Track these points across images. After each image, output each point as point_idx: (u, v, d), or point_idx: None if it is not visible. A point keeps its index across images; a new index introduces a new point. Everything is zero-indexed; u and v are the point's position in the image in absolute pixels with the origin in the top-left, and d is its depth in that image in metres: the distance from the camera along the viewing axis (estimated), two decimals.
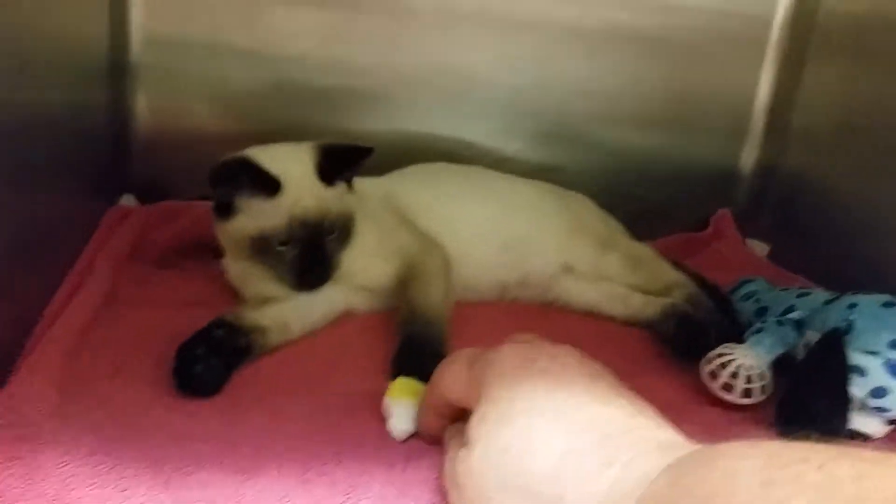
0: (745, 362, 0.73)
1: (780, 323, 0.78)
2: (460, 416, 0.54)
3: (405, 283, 0.84)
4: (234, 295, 0.85)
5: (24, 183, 0.73)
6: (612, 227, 1.03)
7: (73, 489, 0.50)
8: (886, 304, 0.71)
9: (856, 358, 0.68)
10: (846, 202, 1.03)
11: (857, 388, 0.67)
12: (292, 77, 1.12)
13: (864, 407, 0.67)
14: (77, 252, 0.87)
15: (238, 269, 0.85)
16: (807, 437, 0.34)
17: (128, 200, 1.08)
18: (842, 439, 0.59)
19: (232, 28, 1.10)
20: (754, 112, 1.20)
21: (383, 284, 0.86)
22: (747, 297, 0.89)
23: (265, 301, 0.80)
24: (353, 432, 0.62)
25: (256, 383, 0.70)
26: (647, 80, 1.18)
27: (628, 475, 0.39)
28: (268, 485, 0.53)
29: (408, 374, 0.67)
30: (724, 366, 0.73)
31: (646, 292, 0.92)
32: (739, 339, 0.77)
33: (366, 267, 0.85)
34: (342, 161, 0.83)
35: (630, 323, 0.90)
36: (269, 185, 0.78)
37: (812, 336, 0.74)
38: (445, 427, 0.57)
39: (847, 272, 0.95)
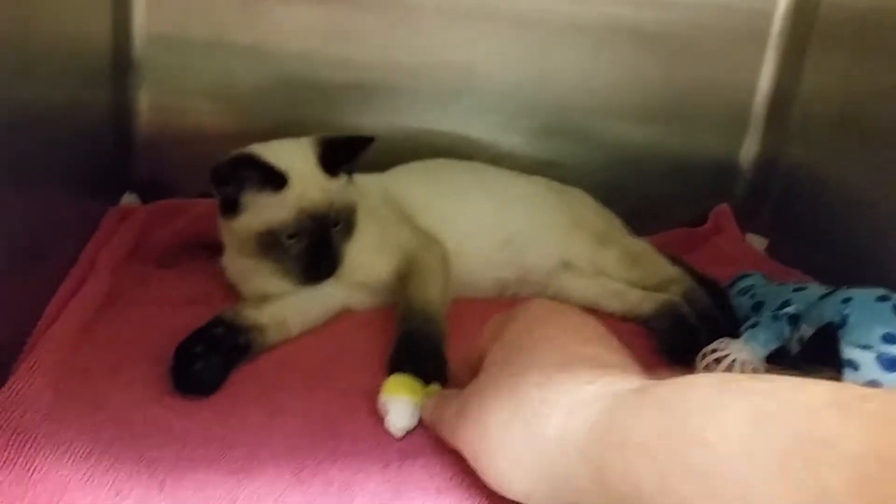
0: (740, 357, 0.73)
1: (775, 317, 0.78)
2: None
3: (403, 280, 0.85)
4: (232, 293, 0.86)
5: (26, 181, 0.73)
6: (610, 223, 1.03)
7: (68, 490, 0.50)
8: (880, 299, 0.71)
9: (849, 352, 0.68)
10: (846, 197, 1.03)
11: (851, 383, 0.67)
12: (294, 74, 1.13)
13: None
14: (78, 251, 0.88)
15: (238, 266, 0.85)
16: None
17: (130, 199, 1.08)
18: None
19: (234, 25, 1.11)
20: (754, 106, 1.20)
21: (382, 280, 0.87)
22: (744, 291, 0.89)
23: (264, 299, 0.80)
24: (349, 430, 0.62)
25: (254, 381, 0.70)
26: (647, 75, 1.18)
27: (606, 390, 0.45)
28: (263, 484, 0.54)
29: (405, 370, 0.68)
30: (718, 360, 0.74)
31: (643, 287, 0.93)
32: (735, 333, 0.78)
33: (365, 263, 0.86)
34: (344, 152, 0.84)
35: (627, 318, 0.91)
36: (275, 180, 0.79)
37: (807, 330, 0.74)
38: None
39: (846, 267, 0.95)
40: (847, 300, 0.72)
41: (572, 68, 1.17)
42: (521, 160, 1.16)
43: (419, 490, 0.55)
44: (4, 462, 0.52)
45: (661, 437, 0.39)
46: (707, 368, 0.74)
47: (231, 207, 0.80)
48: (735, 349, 0.74)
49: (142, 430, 0.59)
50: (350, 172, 0.86)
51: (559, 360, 0.49)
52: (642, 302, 0.90)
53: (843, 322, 0.70)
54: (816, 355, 0.72)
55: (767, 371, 0.74)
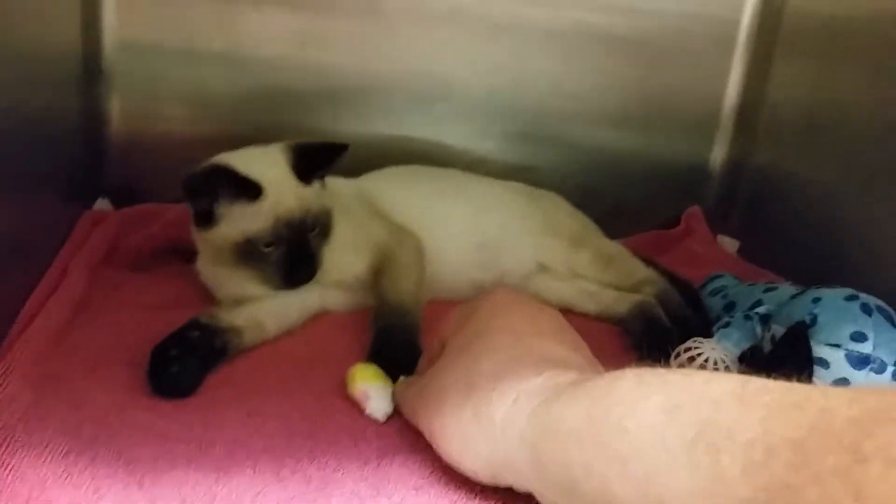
0: (713, 356, 0.74)
1: (747, 317, 0.79)
2: None
3: (378, 275, 0.85)
4: (208, 296, 0.85)
5: None
6: (584, 226, 1.04)
7: (46, 490, 0.50)
8: (849, 298, 0.72)
9: (819, 351, 0.70)
10: (814, 198, 1.05)
11: (821, 381, 0.69)
12: (267, 80, 1.13)
13: None
14: (51, 256, 0.87)
15: (213, 272, 0.85)
16: None
17: (102, 204, 1.08)
18: None
19: (206, 31, 1.10)
20: (723, 111, 1.22)
21: (357, 276, 0.87)
22: (716, 292, 0.91)
23: (240, 302, 0.80)
24: (327, 430, 0.62)
25: (232, 383, 0.70)
26: (620, 81, 1.20)
27: (549, 382, 0.49)
28: (241, 483, 0.54)
29: (382, 365, 0.69)
30: (692, 359, 0.75)
31: (618, 289, 0.94)
32: (708, 333, 0.79)
33: (339, 261, 0.85)
34: (318, 159, 0.84)
35: (602, 318, 0.92)
36: (249, 190, 0.78)
37: (778, 330, 0.75)
38: None
39: (815, 267, 0.97)
40: (817, 300, 0.73)
41: (547, 75, 1.18)
42: (496, 165, 1.17)
43: (397, 488, 0.55)
44: None
45: (588, 426, 0.43)
46: (680, 367, 0.75)
47: (206, 218, 0.80)
48: (708, 348, 0.75)
49: (120, 429, 0.59)
50: (323, 178, 0.86)
51: (512, 353, 0.54)
52: (616, 303, 0.92)
53: (813, 321, 0.71)
54: (787, 354, 0.73)
55: (741, 371, 0.75)
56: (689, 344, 0.76)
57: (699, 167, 1.24)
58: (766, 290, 0.84)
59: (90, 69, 1.07)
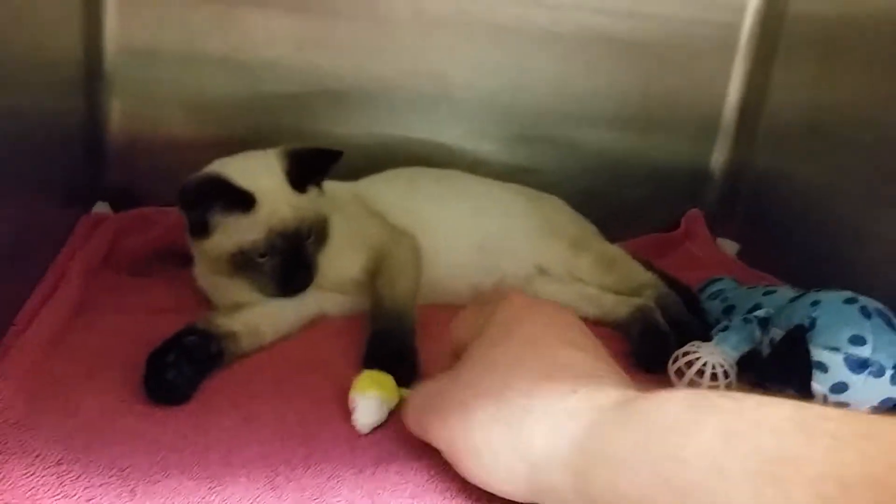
0: (711, 360, 0.74)
1: (746, 321, 0.79)
2: None
3: (374, 275, 0.85)
4: (205, 301, 0.85)
5: None
6: (584, 229, 1.04)
7: (39, 499, 0.50)
8: (848, 301, 0.72)
9: (818, 354, 0.69)
10: (814, 202, 1.05)
11: (820, 384, 0.69)
12: (267, 83, 1.13)
13: (826, 402, 0.68)
14: (50, 260, 0.87)
15: (209, 280, 0.85)
16: None
17: (101, 208, 1.08)
18: None
19: (206, 35, 1.10)
20: (724, 114, 1.22)
21: (353, 277, 0.87)
22: (714, 295, 0.90)
23: (237, 307, 0.80)
24: (323, 436, 0.62)
25: (228, 389, 0.69)
26: (621, 83, 1.20)
27: (589, 404, 0.47)
28: (236, 490, 0.53)
29: (377, 368, 0.68)
30: (690, 363, 0.74)
31: (617, 292, 0.94)
32: (707, 337, 0.78)
33: (335, 264, 0.85)
34: (313, 167, 0.83)
35: (602, 323, 0.91)
36: (243, 201, 0.78)
37: (776, 333, 0.75)
38: None
39: (814, 270, 0.97)
40: (816, 303, 0.73)
41: (548, 76, 1.18)
42: (496, 167, 1.17)
43: (393, 495, 0.55)
44: None
45: (641, 453, 0.41)
46: (679, 371, 0.75)
47: (200, 228, 0.79)
48: (706, 352, 0.75)
49: (114, 437, 0.59)
50: (319, 184, 0.85)
51: (539, 366, 0.51)
52: (616, 307, 0.91)
53: (812, 325, 0.71)
54: (786, 357, 0.72)
55: (737, 375, 0.75)
56: (687, 348, 0.76)
57: (700, 170, 1.24)
58: (766, 294, 0.84)
59: (91, 73, 1.07)
